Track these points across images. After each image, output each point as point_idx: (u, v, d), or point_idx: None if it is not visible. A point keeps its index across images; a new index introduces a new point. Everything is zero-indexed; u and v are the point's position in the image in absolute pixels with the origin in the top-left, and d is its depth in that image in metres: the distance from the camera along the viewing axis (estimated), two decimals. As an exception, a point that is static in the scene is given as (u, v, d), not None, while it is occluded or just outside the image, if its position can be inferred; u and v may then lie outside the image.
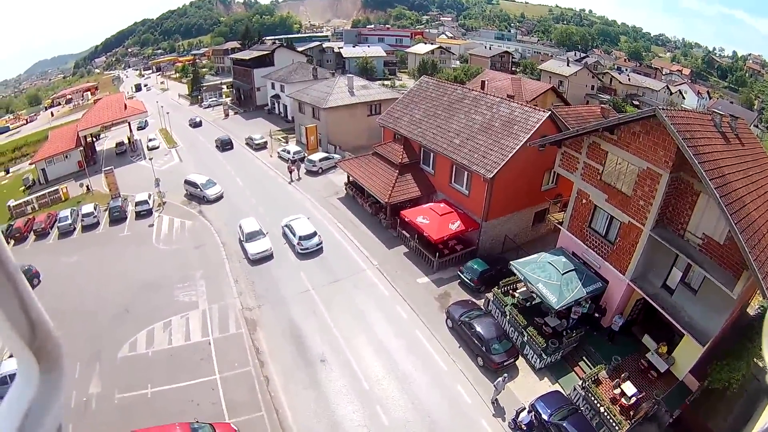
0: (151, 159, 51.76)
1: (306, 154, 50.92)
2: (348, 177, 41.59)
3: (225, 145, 60.54)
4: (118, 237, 40.60)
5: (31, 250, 42.31)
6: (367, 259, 32.61)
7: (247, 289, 30.66)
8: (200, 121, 77.86)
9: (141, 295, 31.33)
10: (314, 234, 33.54)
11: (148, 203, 43.29)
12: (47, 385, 1.13)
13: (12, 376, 24.69)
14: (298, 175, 45.65)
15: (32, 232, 44.27)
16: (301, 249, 33.25)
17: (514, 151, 28.57)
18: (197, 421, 20.20)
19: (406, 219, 32.19)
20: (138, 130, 74.96)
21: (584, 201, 24.97)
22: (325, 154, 49.76)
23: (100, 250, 38.84)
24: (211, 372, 24.14)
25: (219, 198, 43.23)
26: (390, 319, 27.01)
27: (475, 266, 29.16)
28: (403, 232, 33.82)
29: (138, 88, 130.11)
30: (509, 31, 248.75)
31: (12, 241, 44.22)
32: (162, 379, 24.14)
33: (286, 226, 35.59)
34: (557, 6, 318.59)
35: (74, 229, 43.22)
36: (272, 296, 29.29)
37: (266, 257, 33.20)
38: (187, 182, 44.76)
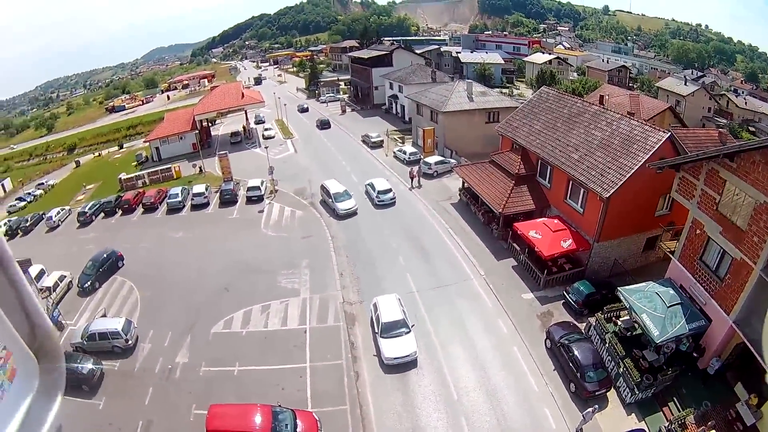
0: (266, 147, 59.47)
1: (422, 157, 55.68)
2: (463, 183, 45.12)
3: (323, 125, 79.55)
4: (227, 219, 48.15)
5: (137, 221, 52.03)
6: (474, 268, 35.34)
7: (351, 284, 34.82)
8: (307, 108, 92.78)
9: (243, 276, 37.15)
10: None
11: (259, 189, 50.58)
12: (47, 385, 1.51)
13: (105, 334, 31.76)
14: (419, 182, 49.64)
15: (141, 206, 54.34)
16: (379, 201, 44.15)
17: (633, 171, 29.86)
18: (280, 406, 23.28)
19: (519, 232, 34.59)
20: (256, 124, 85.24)
21: (698, 231, 25.51)
22: (441, 158, 54.10)
23: (208, 229, 46.44)
24: (302, 360, 27.96)
25: (351, 215, 45.05)
26: (489, 331, 29.30)
27: (582, 288, 30.88)
28: (514, 244, 36.29)
29: (258, 81, 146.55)
30: (626, 44, 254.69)
31: (119, 212, 54.72)
32: (251, 359, 28.52)
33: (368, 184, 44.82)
34: (673, 20, 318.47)
35: (183, 206, 52.35)
36: (376, 294, 32.16)
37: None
38: (322, 188, 48.45)
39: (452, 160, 53.52)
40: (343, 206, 43.82)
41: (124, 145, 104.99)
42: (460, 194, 46.12)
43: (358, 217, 44.63)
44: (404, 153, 57.60)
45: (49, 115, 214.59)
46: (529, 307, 31.21)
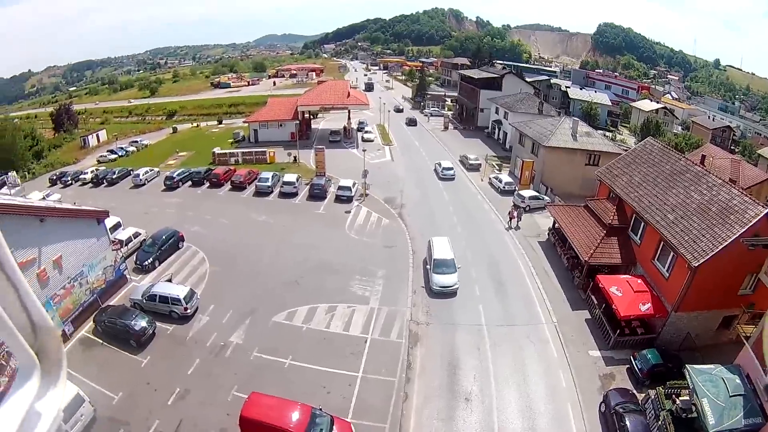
0: (364, 150, 60.72)
1: (517, 188, 55.60)
2: (554, 223, 44.52)
3: (411, 123, 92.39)
4: (313, 212, 49.97)
5: (223, 197, 55.55)
6: (548, 314, 34.66)
7: (422, 303, 34.91)
8: (415, 120, 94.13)
9: (317, 273, 38.28)
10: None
11: (350, 190, 52.03)
12: (48, 385, 1.48)
13: (166, 298, 33.78)
14: (518, 225, 48.78)
15: (230, 182, 58.13)
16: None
17: (726, 243, 28.88)
18: (320, 409, 23.77)
19: (600, 285, 33.83)
20: (357, 131, 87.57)
21: (780, 321, 24.18)
22: (536, 193, 53.65)
23: (291, 219, 48.46)
24: (355, 368, 28.45)
25: (448, 293, 36.71)
26: (548, 382, 28.59)
27: (650, 356, 29.80)
28: (593, 296, 35.40)
29: (369, 87, 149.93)
30: (733, 103, 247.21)
31: (207, 184, 59.07)
32: (305, 356, 29.34)
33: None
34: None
35: (271, 192, 55.36)
36: (444, 318, 33.05)
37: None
38: (429, 246, 40.77)
39: (546, 198, 53.21)
40: (440, 281, 36.20)
41: (223, 121, 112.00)
42: (548, 234, 45.68)
43: (449, 229, 44.97)
44: (500, 181, 57.73)
45: (154, 79, 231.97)
46: (593, 365, 30.39)
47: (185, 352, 31.11)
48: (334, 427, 23.25)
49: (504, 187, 56.17)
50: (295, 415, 22.98)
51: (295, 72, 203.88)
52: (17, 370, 1.44)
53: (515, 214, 47.93)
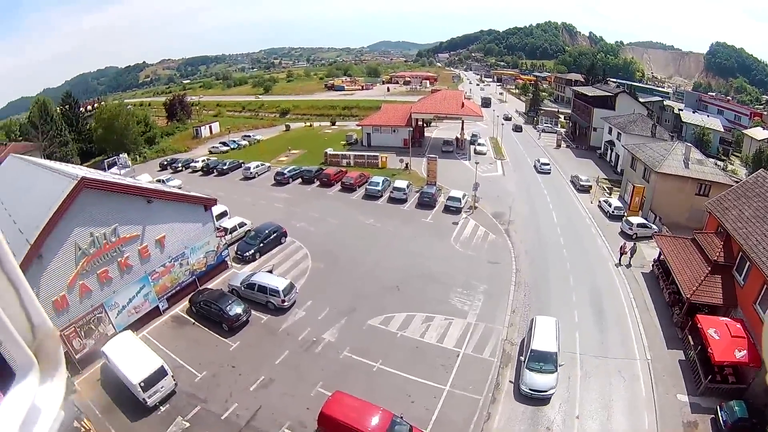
0: (476, 163, 60.77)
1: (625, 214, 53.92)
2: (659, 254, 42.44)
3: (516, 129, 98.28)
4: (420, 221, 50.75)
5: (332, 196, 58.18)
6: (643, 350, 33.13)
7: (519, 324, 34.48)
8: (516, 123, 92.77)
9: (418, 281, 38.89)
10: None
11: (460, 201, 52.31)
12: (47, 385, 1.50)
13: (265, 288, 35.67)
14: (629, 261, 46.83)
15: (340, 183, 60.65)
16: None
17: None
18: (401, 417, 24.29)
19: (699, 325, 31.81)
20: (470, 143, 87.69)
21: None
22: (644, 221, 51.41)
23: (398, 225, 49.64)
24: (443, 381, 28.63)
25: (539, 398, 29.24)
26: (631, 421, 27.48)
27: (737, 409, 27.73)
28: (689, 337, 33.36)
29: (486, 103, 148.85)
30: None
31: (316, 182, 62.03)
32: (395, 362, 29.95)
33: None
34: None
35: (380, 196, 56.96)
36: None
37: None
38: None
39: (654, 226, 51.19)
40: (533, 381, 28.61)
41: (336, 123, 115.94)
42: (653, 265, 43.80)
43: (549, 258, 44.19)
44: (609, 205, 56.19)
45: (268, 78, 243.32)
46: (679, 410, 28.85)
47: (276, 342, 32.72)
48: None
49: (613, 212, 54.82)
50: (375, 420, 23.54)
51: (408, 79, 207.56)
52: (16, 372, 1.48)
53: (627, 249, 46.31)
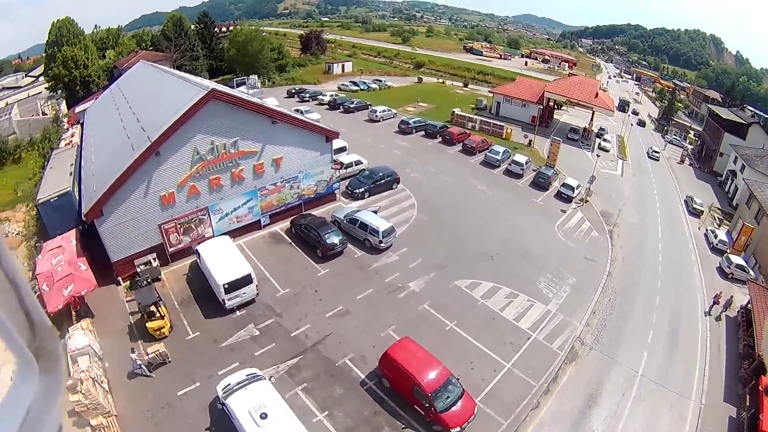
0: (598, 156, 59.16)
1: (728, 251, 50.11)
2: (747, 302, 39.45)
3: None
4: (530, 200, 50.35)
5: (451, 155, 59.17)
6: (700, 393, 31.48)
7: (596, 327, 33.77)
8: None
9: (513, 257, 38.98)
10: None
11: (573, 191, 51.03)
12: (46, 385, 1.49)
13: (366, 225, 36.70)
14: (720, 315, 44.06)
15: (461, 144, 60.99)
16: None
17: None
18: (457, 379, 24.76)
19: (760, 387, 29.57)
20: (597, 136, 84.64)
21: None
22: (744, 263, 47.87)
23: (508, 198, 49.58)
24: (507, 358, 28.91)
25: None
26: None
27: None
28: (747, 397, 31.22)
29: (623, 107, 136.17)
30: None
31: (438, 138, 62.86)
32: (468, 327, 30.56)
33: None
34: None
35: (498, 166, 56.74)
36: (609, 350, 31.78)
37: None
38: None
39: (752, 272, 47.78)
40: None
41: (469, 86, 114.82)
42: (738, 311, 41.01)
43: (643, 272, 42.62)
44: (715, 236, 52.74)
45: (408, 29, 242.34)
46: None
47: (363, 279, 34.02)
48: (460, 401, 23.93)
49: (716, 244, 51.35)
50: (432, 374, 24.18)
51: (548, 58, 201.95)
52: (16, 371, 1.50)
53: (720, 300, 43.56)
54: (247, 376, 23.93)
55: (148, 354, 26.61)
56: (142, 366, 26.18)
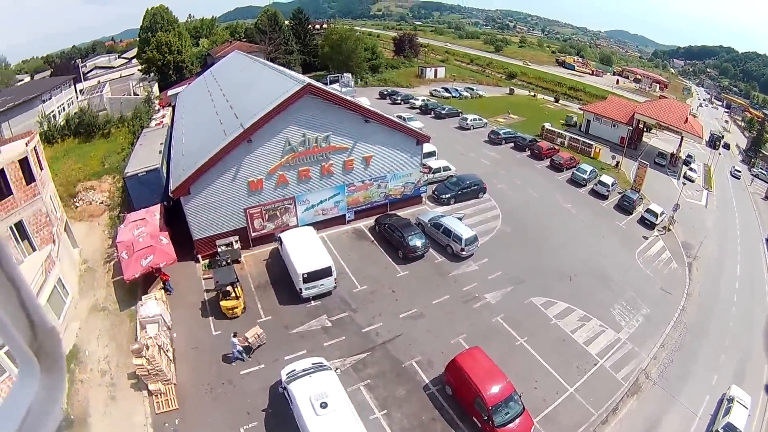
0: (684, 184, 56.91)
1: None
2: None
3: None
4: (613, 222, 48.85)
5: (539, 170, 58.42)
6: None
7: (663, 361, 32.35)
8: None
9: (590, 279, 37.97)
10: None
11: (656, 218, 49.15)
12: (47, 385, 1.47)
13: (449, 232, 36.74)
14: None
15: (549, 159, 60.36)
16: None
17: None
18: (520, 396, 24.36)
19: None
20: (684, 163, 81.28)
21: None
22: None
23: (593, 218, 48.44)
24: (571, 382, 28.20)
25: None
26: None
27: None
28: None
29: (713, 143, 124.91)
30: None
31: (527, 151, 62.26)
32: (538, 345, 30.13)
33: None
34: None
35: (584, 185, 55.43)
36: (672, 388, 30.35)
37: None
38: None
39: None
40: None
41: (560, 101, 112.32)
42: None
43: (716, 309, 40.45)
44: None
45: (501, 38, 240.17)
46: None
47: (441, 284, 34.08)
48: (519, 419, 23.55)
49: None
50: (496, 388, 23.85)
51: (640, 77, 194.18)
52: (17, 372, 1.49)
53: None
54: (313, 364, 24.20)
55: (248, 339, 27.38)
56: (241, 351, 26.93)
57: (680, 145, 79.19)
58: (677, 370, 31.96)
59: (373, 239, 38.43)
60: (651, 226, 49.01)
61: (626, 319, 34.85)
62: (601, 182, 53.80)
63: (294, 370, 23.75)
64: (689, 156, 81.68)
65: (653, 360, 32.05)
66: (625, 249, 44.17)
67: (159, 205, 37.00)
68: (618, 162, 65.09)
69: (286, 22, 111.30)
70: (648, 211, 50.10)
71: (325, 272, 30.83)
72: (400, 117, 53.50)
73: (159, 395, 25.79)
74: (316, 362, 24.53)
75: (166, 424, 24.39)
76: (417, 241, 35.52)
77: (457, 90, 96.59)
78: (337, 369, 25.23)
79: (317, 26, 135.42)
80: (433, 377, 26.63)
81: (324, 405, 20.94)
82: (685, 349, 34.08)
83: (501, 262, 37.26)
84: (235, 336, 26.78)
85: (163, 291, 32.03)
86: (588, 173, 55.39)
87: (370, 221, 39.96)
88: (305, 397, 21.45)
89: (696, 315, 38.17)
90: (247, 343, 27.14)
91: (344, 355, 27.70)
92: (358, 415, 21.41)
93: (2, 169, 30.68)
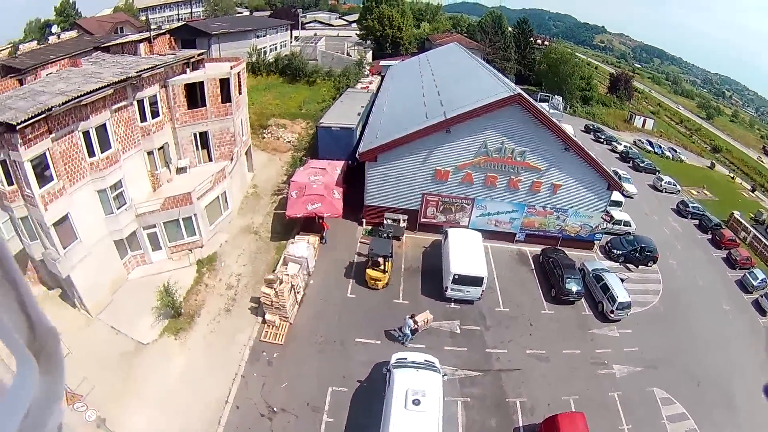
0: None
1: None
2: None
3: None
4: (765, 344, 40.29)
5: (714, 258, 50.19)
6: None
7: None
8: None
9: (719, 393, 31.99)
10: None
11: None
12: (47, 385, 1.36)
13: (607, 288, 34.04)
14: None
15: (727, 251, 51.25)
16: None
17: None
18: None
19: None
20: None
21: None
22: None
23: (746, 330, 40.47)
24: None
25: None
26: None
27: None
28: None
29: None
30: None
31: (709, 234, 54.58)
32: None
33: None
34: None
35: (751, 292, 46.08)
36: None
37: None
38: None
39: None
40: None
41: (756, 191, 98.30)
42: None
43: None
44: None
45: (715, 106, 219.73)
46: None
47: (578, 337, 32.12)
48: None
49: None
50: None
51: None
52: (16, 372, 1.34)
53: None
54: (425, 361, 23.89)
55: (417, 323, 27.48)
56: (408, 334, 27.11)
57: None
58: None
59: (533, 267, 36.73)
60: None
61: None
62: (766, 295, 44.62)
63: (405, 359, 23.75)
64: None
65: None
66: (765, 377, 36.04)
67: (343, 162, 37.81)
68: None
69: (509, 29, 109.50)
70: None
71: (476, 281, 30.02)
72: (615, 172, 47.53)
73: (271, 326, 27.01)
74: (429, 360, 24.24)
75: (264, 353, 25.54)
76: (574, 286, 33.26)
77: (660, 147, 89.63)
78: (445, 375, 24.35)
79: (539, 41, 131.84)
80: (528, 423, 25.17)
81: (417, 402, 20.63)
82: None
83: (642, 339, 33.11)
84: (411, 317, 27.07)
85: (318, 238, 32.82)
86: (759, 281, 46.46)
87: (537, 249, 38.19)
88: (403, 388, 21.29)
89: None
90: (416, 326, 27.17)
91: (458, 365, 27.11)
92: (442, 426, 20.63)
93: (202, 82, 33.05)
